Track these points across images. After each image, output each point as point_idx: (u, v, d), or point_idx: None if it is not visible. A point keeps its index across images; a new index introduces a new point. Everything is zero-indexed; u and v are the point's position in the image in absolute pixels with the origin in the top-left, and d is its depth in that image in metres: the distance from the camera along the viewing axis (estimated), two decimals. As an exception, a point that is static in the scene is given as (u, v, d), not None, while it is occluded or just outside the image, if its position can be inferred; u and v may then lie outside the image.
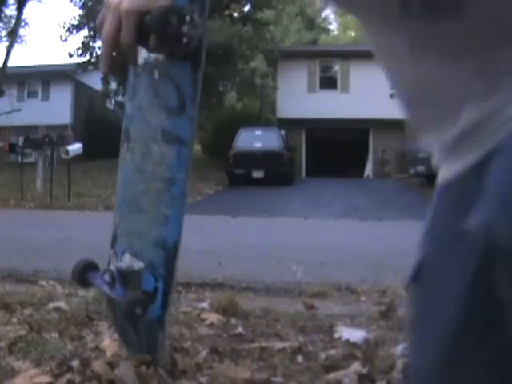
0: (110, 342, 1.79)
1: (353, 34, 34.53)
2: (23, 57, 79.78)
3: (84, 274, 1.41)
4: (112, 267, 1.41)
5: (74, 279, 1.43)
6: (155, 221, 1.37)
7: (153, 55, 1.30)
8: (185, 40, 1.21)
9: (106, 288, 1.38)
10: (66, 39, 19.71)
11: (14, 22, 20.16)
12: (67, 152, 10.30)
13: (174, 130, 1.30)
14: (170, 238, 1.36)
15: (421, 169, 13.79)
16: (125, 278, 1.37)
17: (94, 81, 22.95)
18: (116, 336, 1.77)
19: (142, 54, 1.32)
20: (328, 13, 35.39)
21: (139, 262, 1.38)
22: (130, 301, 1.32)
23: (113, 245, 1.49)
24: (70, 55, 20.11)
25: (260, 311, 2.44)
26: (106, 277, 1.38)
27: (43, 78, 23.22)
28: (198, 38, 1.23)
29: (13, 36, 19.67)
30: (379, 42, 0.56)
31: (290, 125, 18.95)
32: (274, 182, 14.60)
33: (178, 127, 1.30)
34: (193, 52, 1.25)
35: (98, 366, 1.57)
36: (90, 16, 17.81)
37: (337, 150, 21.69)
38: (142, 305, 1.32)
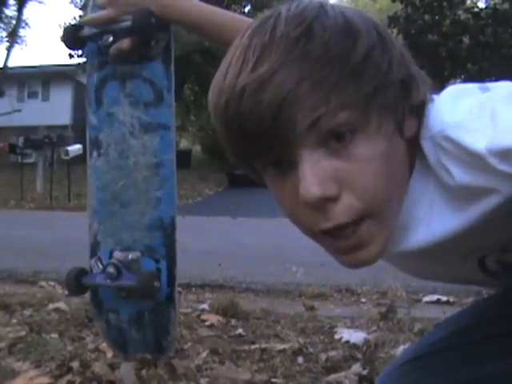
0: (110, 343, 1.79)
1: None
2: (23, 57, 79.96)
3: (79, 279, 1.37)
4: (113, 260, 1.38)
5: (69, 288, 1.38)
6: (147, 206, 1.37)
7: (110, 66, 1.32)
8: (152, 43, 1.26)
9: (109, 281, 1.35)
10: (66, 40, 19.77)
11: (14, 22, 20.20)
12: (67, 153, 10.29)
13: (154, 119, 1.33)
14: (165, 216, 1.37)
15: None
16: (127, 266, 1.37)
17: (95, 81, 22.95)
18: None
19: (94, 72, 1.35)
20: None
21: (133, 252, 1.38)
22: (150, 275, 1.32)
23: (93, 253, 1.43)
24: (71, 56, 20.17)
25: (260, 312, 2.44)
26: (110, 269, 1.35)
27: (43, 78, 23.22)
28: (166, 39, 1.28)
29: (13, 36, 19.71)
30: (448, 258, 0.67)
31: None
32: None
33: (159, 115, 1.33)
34: (162, 52, 1.29)
35: (98, 367, 1.57)
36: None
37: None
38: (157, 278, 1.33)
